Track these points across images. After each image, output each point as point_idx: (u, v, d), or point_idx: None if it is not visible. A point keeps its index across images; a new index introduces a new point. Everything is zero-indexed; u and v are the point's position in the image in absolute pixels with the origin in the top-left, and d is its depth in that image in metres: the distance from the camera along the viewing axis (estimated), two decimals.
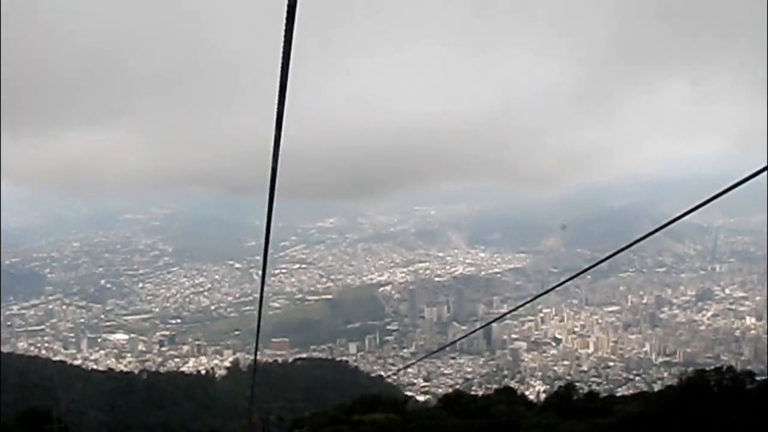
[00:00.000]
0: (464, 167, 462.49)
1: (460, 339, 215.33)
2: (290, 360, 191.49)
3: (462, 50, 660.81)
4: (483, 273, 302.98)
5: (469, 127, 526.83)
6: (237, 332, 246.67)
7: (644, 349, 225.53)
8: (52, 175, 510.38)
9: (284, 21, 6.12)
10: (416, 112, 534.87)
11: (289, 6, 5.99)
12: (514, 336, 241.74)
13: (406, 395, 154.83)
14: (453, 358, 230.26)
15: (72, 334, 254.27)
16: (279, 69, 6.85)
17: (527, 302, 24.02)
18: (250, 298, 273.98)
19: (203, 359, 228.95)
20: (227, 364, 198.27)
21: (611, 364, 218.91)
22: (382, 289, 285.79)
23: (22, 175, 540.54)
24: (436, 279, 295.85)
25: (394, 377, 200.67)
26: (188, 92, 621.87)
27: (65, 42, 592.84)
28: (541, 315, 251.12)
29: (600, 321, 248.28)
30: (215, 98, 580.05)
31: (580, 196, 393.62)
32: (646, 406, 50.81)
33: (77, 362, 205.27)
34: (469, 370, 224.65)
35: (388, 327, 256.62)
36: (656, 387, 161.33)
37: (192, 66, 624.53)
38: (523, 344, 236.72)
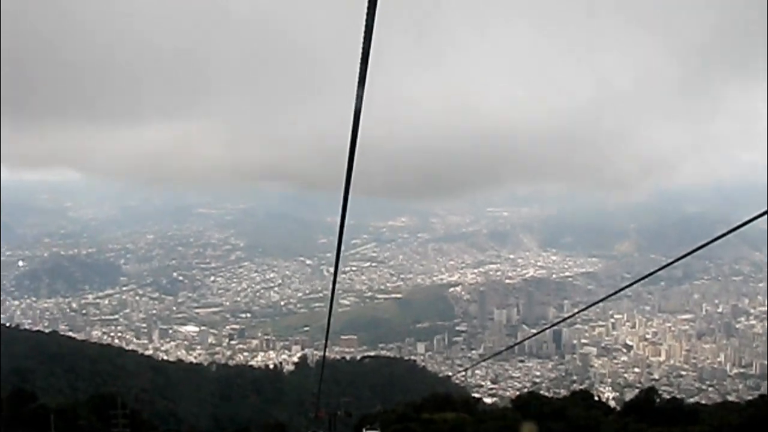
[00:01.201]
0: (539, 169, 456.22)
1: (526, 339, 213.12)
2: (358, 357, 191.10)
3: (545, 51, 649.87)
4: (554, 276, 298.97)
5: (547, 128, 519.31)
6: (306, 328, 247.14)
7: (718, 359, 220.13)
8: (130, 168, 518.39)
9: (365, 16, 6.06)
10: (495, 112, 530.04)
11: (369, 1, 5.98)
12: (584, 341, 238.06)
13: (474, 397, 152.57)
14: (521, 361, 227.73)
15: (144, 325, 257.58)
16: (358, 65, 6.79)
17: (592, 305, 22.71)
18: (320, 294, 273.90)
19: (272, 354, 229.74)
20: (295, 359, 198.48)
21: (683, 373, 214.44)
22: (452, 289, 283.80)
23: (100, 167, 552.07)
24: (507, 281, 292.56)
25: (462, 378, 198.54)
26: (268, 87, 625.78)
27: (148, 36, 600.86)
28: (612, 320, 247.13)
29: (673, 329, 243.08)
30: (295, 94, 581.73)
31: (657, 200, 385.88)
32: (739, 417, 48.08)
33: (148, 352, 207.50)
34: (537, 373, 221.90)
35: (457, 328, 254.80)
36: (730, 398, 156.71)
37: (273, 61, 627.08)
38: (593, 349, 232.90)
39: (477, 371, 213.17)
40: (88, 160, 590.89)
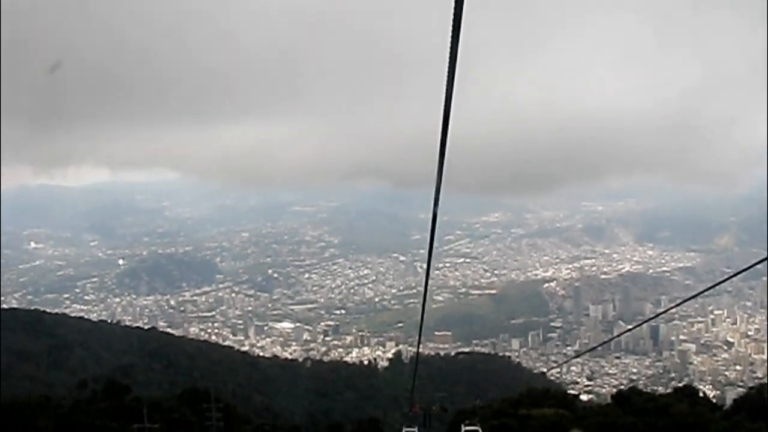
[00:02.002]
0: (636, 161, 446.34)
1: (621, 334, 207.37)
2: (452, 353, 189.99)
3: (643, 37, 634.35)
4: (651, 271, 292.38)
5: (645, 119, 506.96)
6: (400, 324, 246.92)
7: None
8: (225, 168, 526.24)
9: (452, 10, 6.05)
10: (591, 103, 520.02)
11: None
12: (682, 337, 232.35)
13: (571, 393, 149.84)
14: (618, 357, 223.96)
15: (240, 322, 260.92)
16: (447, 60, 6.79)
17: (689, 298, 21.47)
18: (414, 290, 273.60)
19: (366, 350, 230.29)
20: (390, 355, 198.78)
21: None
22: (546, 285, 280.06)
23: (197, 167, 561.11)
24: (602, 276, 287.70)
25: (557, 374, 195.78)
26: (362, 85, 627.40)
27: (242, 37, 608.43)
28: (712, 317, 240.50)
29: None
30: (389, 91, 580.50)
31: (759, 192, 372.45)
32: None
33: (244, 349, 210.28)
34: (634, 370, 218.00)
35: (552, 324, 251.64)
36: None
37: (366, 59, 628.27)
38: (692, 346, 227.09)
39: (572, 368, 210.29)
40: (186, 160, 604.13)
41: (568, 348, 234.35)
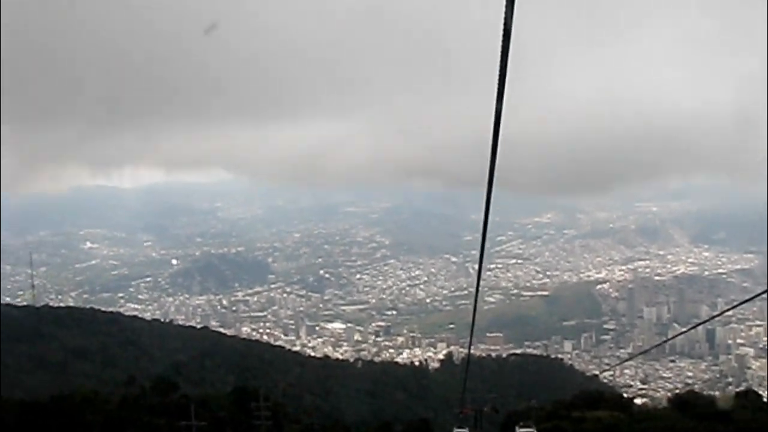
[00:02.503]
0: (692, 161, 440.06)
1: (675, 336, 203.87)
2: (504, 355, 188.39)
3: (706, 33, 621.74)
4: (707, 273, 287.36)
5: (703, 118, 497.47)
6: (451, 325, 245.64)
7: None
8: (278, 168, 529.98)
9: (504, 5, 6.07)
10: (647, 102, 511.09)
11: None
12: (739, 341, 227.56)
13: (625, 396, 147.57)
14: (673, 361, 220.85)
15: (292, 322, 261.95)
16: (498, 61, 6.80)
17: (746, 301, 20.45)
18: (466, 292, 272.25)
19: (417, 351, 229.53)
20: (441, 356, 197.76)
21: None
22: (599, 286, 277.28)
23: (250, 167, 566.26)
24: (657, 278, 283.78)
25: (610, 377, 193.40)
26: (416, 85, 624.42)
27: (296, 38, 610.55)
28: None
29: None
30: (444, 90, 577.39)
31: None
32: None
33: (296, 348, 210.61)
34: (690, 374, 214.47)
35: (605, 326, 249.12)
36: None
37: (420, 59, 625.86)
38: (750, 350, 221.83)
39: (626, 370, 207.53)
40: (240, 161, 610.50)
41: (622, 350, 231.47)
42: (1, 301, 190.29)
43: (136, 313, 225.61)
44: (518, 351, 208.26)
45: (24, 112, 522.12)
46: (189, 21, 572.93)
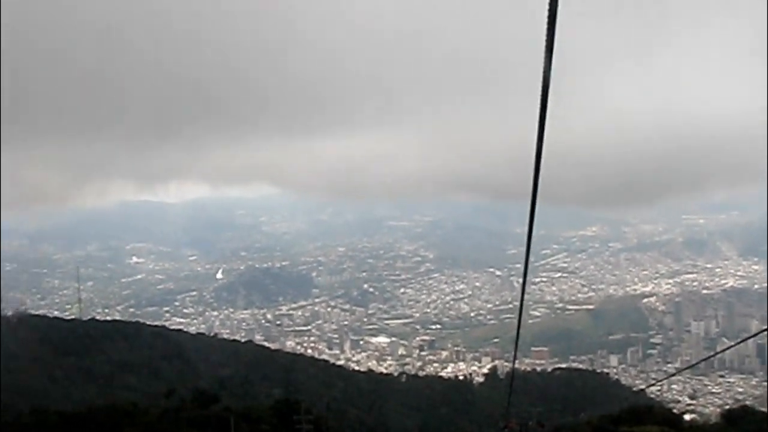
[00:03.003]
0: (740, 172, 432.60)
1: (723, 351, 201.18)
2: (549, 369, 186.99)
3: (749, 45, 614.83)
4: (756, 287, 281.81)
5: (754, 127, 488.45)
6: (496, 339, 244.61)
7: None
8: (322, 182, 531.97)
9: (547, 15, 6.08)
10: (694, 113, 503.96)
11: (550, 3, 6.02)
12: None
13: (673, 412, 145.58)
14: (722, 376, 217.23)
15: (336, 336, 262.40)
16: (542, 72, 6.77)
17: None
18: (510, 305, 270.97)
19: (462, 365, 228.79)
20: (485, 370, 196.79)
21: None
22: (645, 300, 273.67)
23: (295, 181, 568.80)
24: (704, 291, 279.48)
25: (657, 392, 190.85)
26: (461, 97, 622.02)
27: (342, 52, 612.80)
28: None
29: None
30: (488, 102, 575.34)
31: None
32: None
33: (340, 363, 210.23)
34: (740, 390, 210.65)
35: (652, 340, 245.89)
36: None
37: (466, 70, 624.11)
38: None
39: (673, 386, 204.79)
40: (285, 175, 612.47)
41: (669, 365, 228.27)
42: (50, 315, 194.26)
43: (181, 326, 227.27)
44: (563, 365, 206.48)
45: (72, 127, 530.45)
46: (234, 36, 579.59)
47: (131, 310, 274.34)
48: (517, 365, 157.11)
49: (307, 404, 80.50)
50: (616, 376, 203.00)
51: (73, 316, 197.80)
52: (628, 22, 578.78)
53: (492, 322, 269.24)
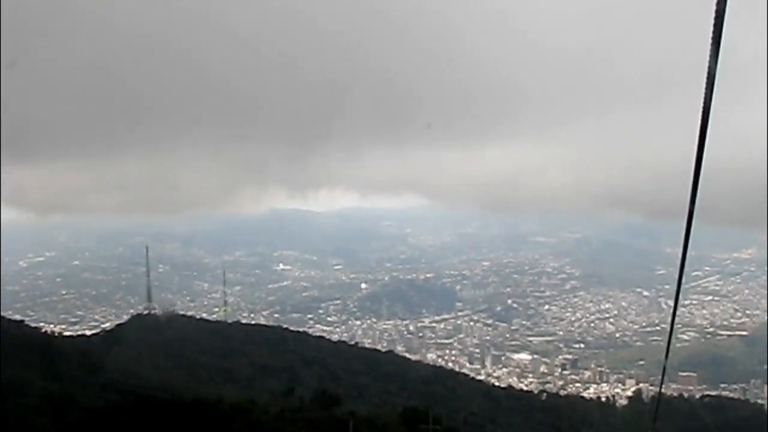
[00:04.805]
0: None
1: None
2: (697, 396, 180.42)
3: None
4: None
5: None
6: (641, 362, 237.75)
7: None
8: (470, 194, 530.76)
9: (713, 24, 5.87)
10: None
11: (717, 10, 5.80)
12: None
13: None
14: None
15: (477, 350, 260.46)
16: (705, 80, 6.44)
17: None
18: (658, 327, 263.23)
19: (605, 386, 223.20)
20: (629, 393, 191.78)
21: None
22: None
23: (443, 192, 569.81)
24: None
25: None
26: (619, 109, 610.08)
27: (497, 60, 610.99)
28: None
29: None
30: (646, 116, 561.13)
31: None
32: None
33: (480, 377, 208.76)
34: None
35: None
36: None
37: (623, 81, 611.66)
38: None
39: None
40: (435, 186, 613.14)
41: None
42: (197, 316, 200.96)
43: (323, 334, 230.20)
44: (713, 393, 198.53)
45: (228, 134, 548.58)
46: (387, 44, 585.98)
47: (276, 315, 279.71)
48: (663, 390, 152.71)
49: (436, 414, 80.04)
50: None
51: (217, 319, 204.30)
52: None
53: (638, 343, 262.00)
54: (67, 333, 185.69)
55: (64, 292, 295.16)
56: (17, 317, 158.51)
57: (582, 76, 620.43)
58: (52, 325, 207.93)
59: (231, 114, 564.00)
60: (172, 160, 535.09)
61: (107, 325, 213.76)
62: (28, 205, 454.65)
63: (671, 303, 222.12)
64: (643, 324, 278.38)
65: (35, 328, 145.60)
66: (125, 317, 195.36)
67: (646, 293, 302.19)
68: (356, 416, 71.71)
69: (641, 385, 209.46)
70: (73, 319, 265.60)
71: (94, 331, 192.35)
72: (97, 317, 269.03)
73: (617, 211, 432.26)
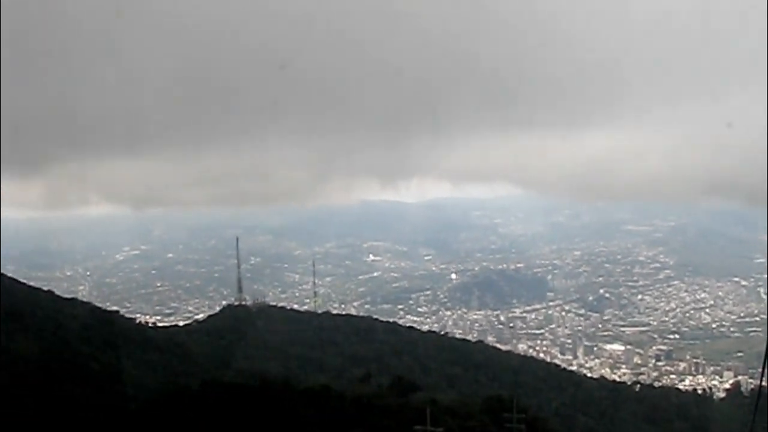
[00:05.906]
0: None
1: None
2: None
3: None
4: None
5: None
6: (740, 353, 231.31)
7: None
8: (562, 182, 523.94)
9: None
10: None
11: None
12: None
13: None
14: None
15: (569, 341, 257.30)
16: None
17: None
18: (756, 318, 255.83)
19: (701, 378, 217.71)
20: (727, 386, 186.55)
21: None
22: None
23: (535, 181, 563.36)
24: None
25: None
26: (722, 91, 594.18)
27: (594, 44, 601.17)
28: None
29: None
30: (751, 99, 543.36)
31: None
32: None
33: (572, 368, 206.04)
34: None
35: None
36: None
37: (727, 61, 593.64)
38: None
39: None
40: (526, 174, 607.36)
41: None
42: (288, 307, 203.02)
43: (413, 324, 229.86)
44: None
45: (318, 126, 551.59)
46: (472, 34, 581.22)
47: (366, 306, 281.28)
48: (763, 383, 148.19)
49: (524, 403, 78.93)
50: None
51: (307, 309, 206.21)
52: None
53: (736, 334, 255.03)
54: (161, 324, 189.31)
55: (158, 284, 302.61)
56: (114, 308, 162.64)
57: (687, 58, 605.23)
58: (147, 316, 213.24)
59: (321, 105, 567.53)
60: (263, 153, 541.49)
61: (200, 316, 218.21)
62: (123, 199, 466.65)
63: None
64: (741, 314, 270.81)
65: (130, 319, 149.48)
66: (217, 308, 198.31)
67: (743, 282, 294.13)
68: (438, 404, 70.95)
69: (740, 377, 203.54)
70: (167, 311, 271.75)
71: (186, 322, 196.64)
72: (190, 308, 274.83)
73: (713, 199, 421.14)
